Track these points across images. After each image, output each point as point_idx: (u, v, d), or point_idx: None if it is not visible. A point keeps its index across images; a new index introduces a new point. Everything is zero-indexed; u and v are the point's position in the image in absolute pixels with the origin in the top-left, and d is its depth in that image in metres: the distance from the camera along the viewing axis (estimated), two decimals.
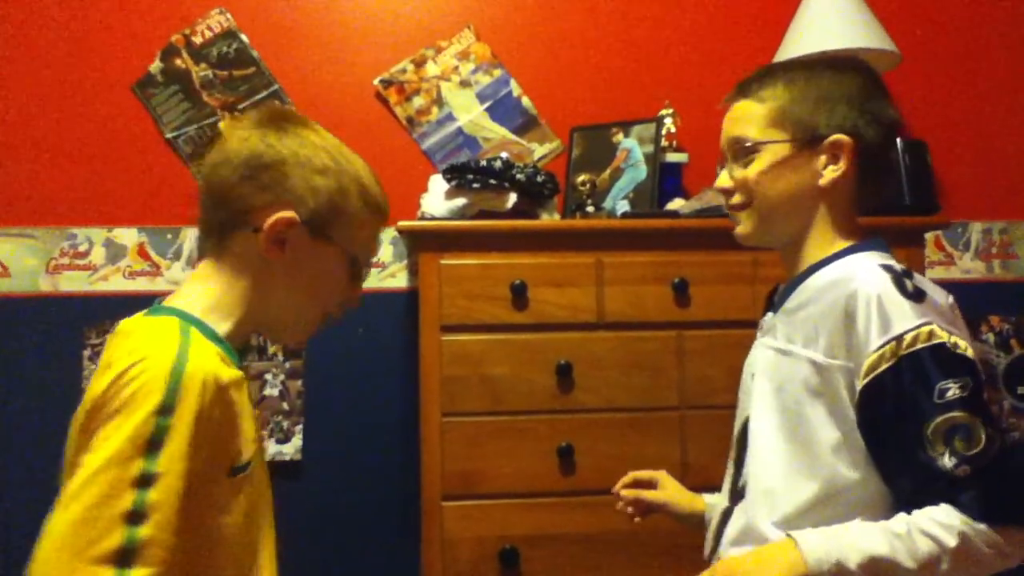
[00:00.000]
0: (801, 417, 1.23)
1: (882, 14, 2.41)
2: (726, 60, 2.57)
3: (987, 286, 2.65)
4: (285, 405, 2.39)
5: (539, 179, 2.17)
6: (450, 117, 2.53)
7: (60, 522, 0.95)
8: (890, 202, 2.16)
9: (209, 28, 2.48)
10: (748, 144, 1.29)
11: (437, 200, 2.16)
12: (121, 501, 0.95)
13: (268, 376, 2.38)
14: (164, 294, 1.21)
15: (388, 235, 2.42)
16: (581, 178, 2.23)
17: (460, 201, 2.13)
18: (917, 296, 1.16)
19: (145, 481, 0.97)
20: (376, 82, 2.51)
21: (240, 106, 2.46)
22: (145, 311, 1.15)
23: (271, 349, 2.36)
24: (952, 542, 1.08)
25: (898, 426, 1.14)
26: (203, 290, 1.16)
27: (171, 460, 0.98)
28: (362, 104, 2.51)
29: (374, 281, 2.42)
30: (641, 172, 2.29)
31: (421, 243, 2.07)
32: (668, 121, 2.38)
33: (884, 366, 1.14)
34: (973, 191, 2.67)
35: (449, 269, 2.04)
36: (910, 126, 2.66)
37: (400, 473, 2.39)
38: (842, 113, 1.27)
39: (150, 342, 1.05)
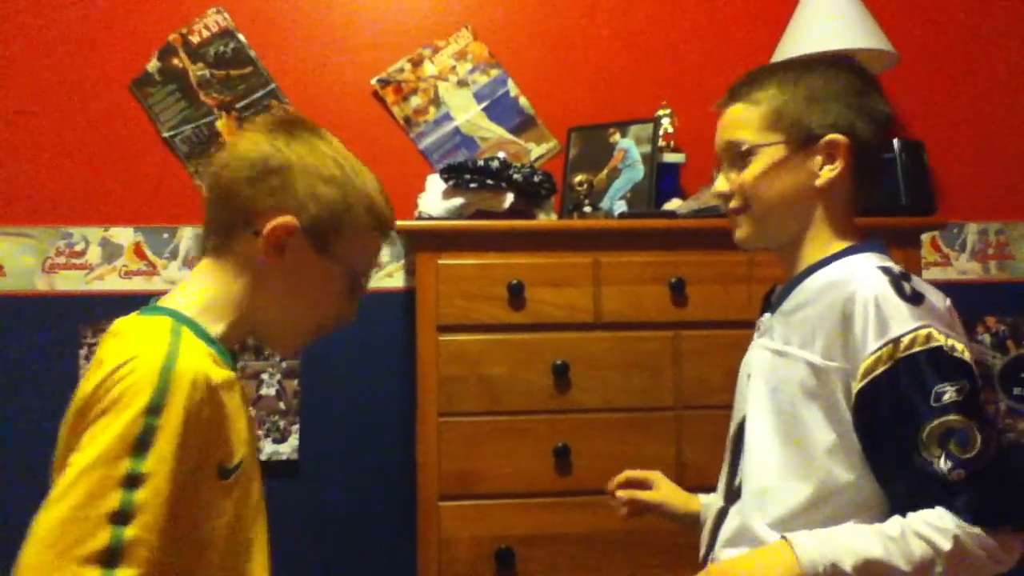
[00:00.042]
0: (797, 418, 1.23)
1: (879, 14, 2.41)
2: (724, 60, 2.57)
3: (983, 287, 2.65)
4: (282, 404, 2.39)
5: (536, 179, 2.17)
6: (447, 117, 2.53)
7: (46, 521, 0.95)
8: (887, 203, 2.16)
9: (206, 27, 2.47)
10: (743, 148, 1.29)
11: (434, 200, 2.16)
12: (108, 501, 0.95)
13: (265, 376, 2.38)
14: (160, 293, 1.21)
15: None
16: (578, 178, 2.23)
17: (457, 201, 2.13)
18: (915, 299, 1.16)
19: (132, 481, 0.97)
20: (373, 82, 2.51)
21: (237, 105, 2.46)
22: (139, 310, 1.15)
23: (267, 349, 2.36)
24: (946, 545, 1.08)
25: (894, 429, 1.14)
26: (199, 290, 1.16)
27: (159, 461, 0.98)
28: (359, 104, 2.51)
29: (371, 280, 2.42)
30: (638, 172, 2.30)
31: (418, 243, 2.07)
32: (665, 121, 2.38)
33: (881, 369, 1.14)
34: (970, 192, 2.67)
35: (446, 269, 2.04)
36: (907, 127, 2.66)
37: (397, 473, 2.39)
38: (836, 112, 1.27)
39: (140, 341, 1.04)
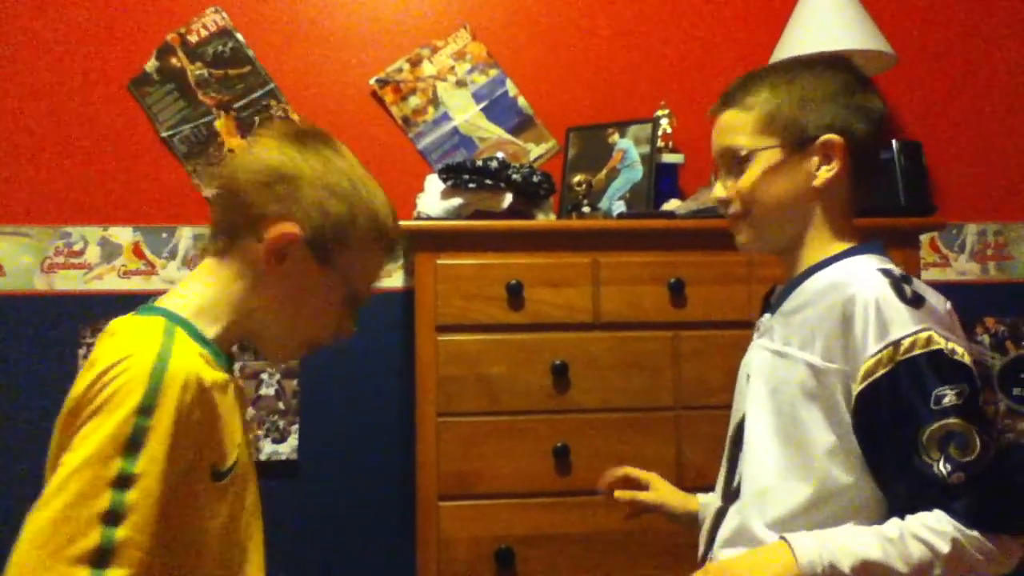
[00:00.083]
0: (796, 419, 1.23)
1: (878, 15, 2.42)
2: (722, 61, 2.58)
3: (982, 288, 2.65)
4: (281, 404, 2.39)
5: (535, 179, 2.17)
6: (446, 117, 2.53)
7: (38, 521, 0.95)
8: (885, 203, 2.16)
9: (205, 27, 2.47)
10: (739, 153, 1.29)
11: (433, 200, 2.16)
12: (99, 501, 0.95)
13: (264, 376, 2.38)
14: (159, 293, 1.21)
15: None
16: (577, 178, 2.23)
17: (456, 201, 2.13)
18: (916, 302, 1.16)
19: (123, 481, 0.97)
20: (372, 82, 2.51)
21: (235, 105, 2.46)
22: (136, 310, 1.15)
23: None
24: (945, 548, 1.08)
25: (894, 431, 1.14)
26: (197, 291, 1.16)
27: (150, 461, 0.98)
28: (358, 104, 2.51)
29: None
30: (637, 173, 2.30)
31: (417, 243, 2.07)
32: (664, 122, 2.38)
33: (881, 371, 1.14)
34: (968, 193, 2.67)
35: (445, 269, 2.04)
36: (905, 127, 2.67)
37: (396, 473, 2.39)
38: (829, 112, 1.27)
39: (133, 342, 1.04)
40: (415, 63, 2.53)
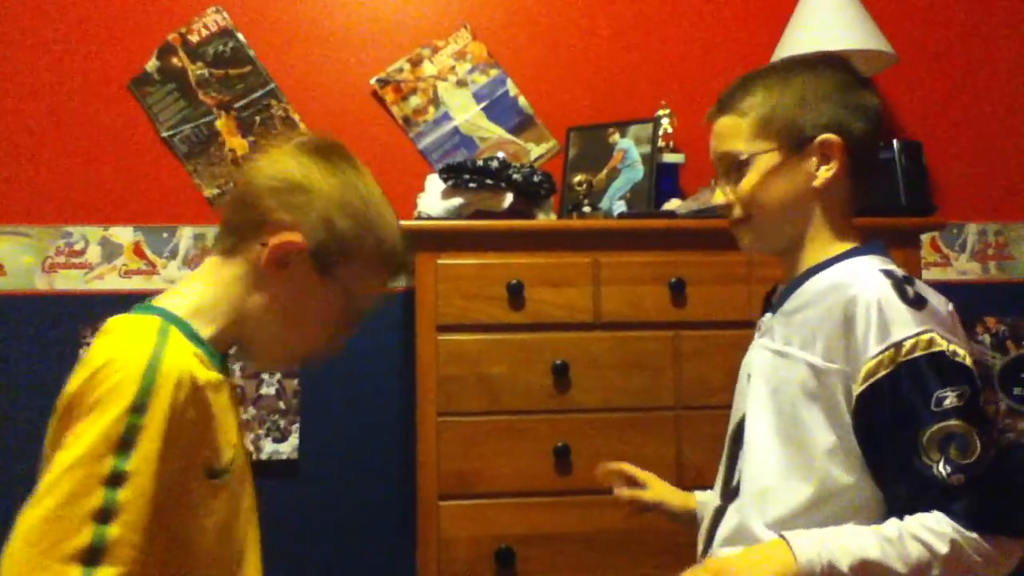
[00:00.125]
0: (797, 419, 1.23)
1: (878, 15, 2.42)
2: (723, 61, 2.58)
3: (983, 287, 2.65)
4: (282, 404, 2.39)
5: (535, 179, 2.17)
6: (446, 117, 2.53)
7: (29, 519, 0.95)
8: (886, 203, 2.16)
9: (205, 27, 2.47)
10: (738, 158, 1.29)
11: (433, 200, 2.16)
12: (90, 499, 0.95)
13: (265, 375, 2.38)
14: (159, 293, 1.21)
15: None
16: (578, 178, 2.23)
17: (456, 201, 2.13)
18: (918, 303, 1.16)
19: (116, 480, 0.97)
20: (372, 81, 2.51)
21: (236, 105, 2.46)
22: (132, 308, 1.15)
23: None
24: (943, 549, 1.08)
25: (894, 432, 1.14)
26: (195, 290, 1.17)
27: (143, 460, 0.98)
28: (358, 103, 2.51)
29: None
30: (638, 172, 2.30)
31: (417, 243, 2.06)
32: (665, 121, 2.38)
33: (882, 372, 1.14)
34: (969, 192, 2.67)
35: (445, 269, 2.04)
36: (906, 127, 2.67)
37: (396, 472, 2.39)
38: (826, 111, 1.27)
39: (127, 340, 1.05)
40: (416, 63, 2.53)
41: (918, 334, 1.14)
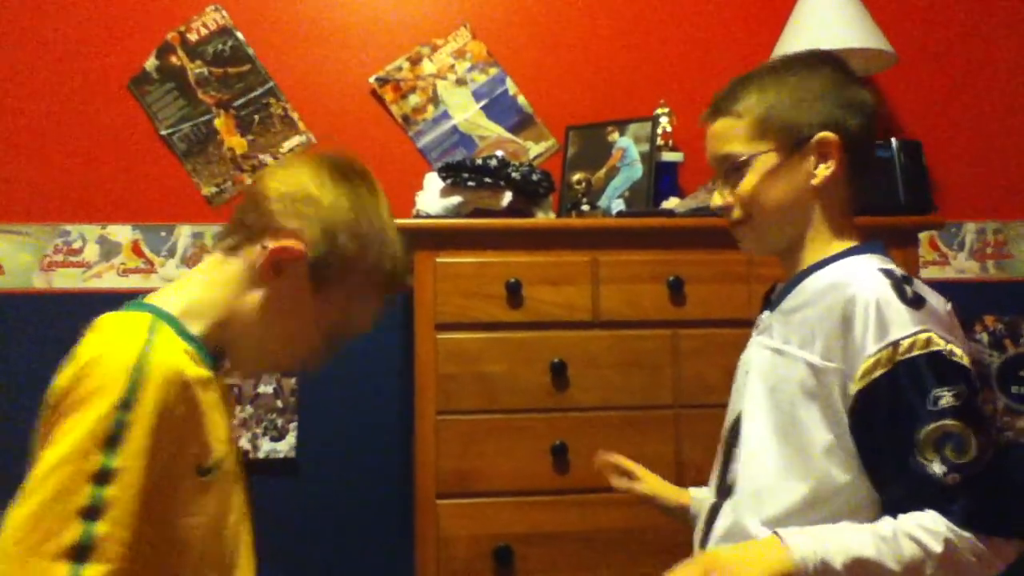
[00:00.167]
0: (794, 418, 1.23)
1: (877, 14, 2.42)
2: (722, 59, 2.57)
3: (981, 286, 2.65)
4: (279, 403, 2.39)
5: (534, 178, 2.16)
6: (446, 115, 2.53)
7: (17, 516, 0.95)
8: (885, 202, 2.16)
9: (204, 25, 2.47)
10: (737, 160, 1.29)
11: (432, 198, 2.16)
12: (78, 496, 0.95)
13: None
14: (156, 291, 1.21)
15: None
16: (576, 177, 2.23)
17: (455, 199, 2.13)
18: (916, 302, 1.16)
19: (104, 476, 0.97)
20: (372, 80, 2.51)
21: (235, 103, 2.46)
22: (124, 305, 1.15)
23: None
24: (937, 548, 1.08)
25: (891, 431, 1.14)
26: (190, 288, 1.17)
27: (131, 456, 0.98)
28: (358, 102, 2.50)
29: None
30: (637, 171, 2.30)
31: (416, 241, 2.06)
32: (664, 120, 2.38)
33: (880, 371, 1.14)
34: (968, 191, 2.67)
35: (444, 267, 2.04)
36: (905, 126, 2.67)
37: (395, 471, 2.39)
38: (821, 110, 1.27)
39: (115, 336, 1.05)
40: (415, 61, 2.53)
41: (916, 333, 1.14)
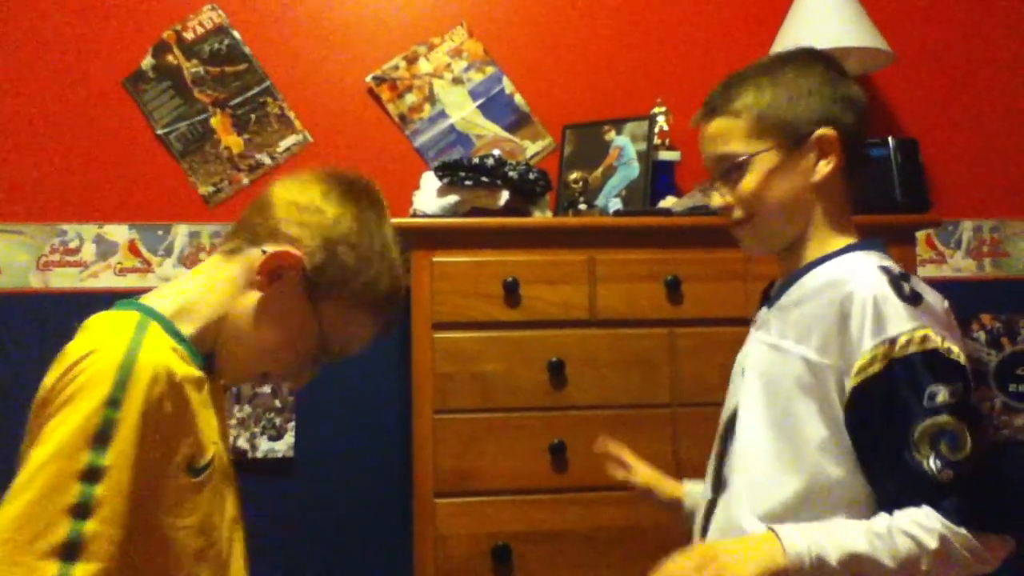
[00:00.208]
0: (790, 413, 1.23)
1: (874, 13, 2.42)
2: (719, 58, 2.57)
3: (978, 284, 2.66)
4: (277, 402, 2.39)
5: (531, 176, 2.16)
6: (442, 114, 2.53)
7: (5, 515, 0.94)
8: (882, 201, 2.16)
9: (201, 24, 2.47)
10: (736, 160, 1.28)
11: (429, 197, 2.16)
12: (67, 494, 0.95)
13: None
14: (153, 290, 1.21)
15: None
16: (573, 176, 2.23)
17: (452, 198, 2.13)
18: (914, 299, 1.17)
19: (92, 474, 0.96)
20: (368, 79, 2.51)
21: (231, 102, 2.45)
22: (115, 304, 1.15)
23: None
24: (932, 544, 1.08)
25: (886, 427, 1.14)
26: (185, 288, 1.17)
27: (119, 454, 0.98)
28: (354, 101, 2.50)
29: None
30: (634, 170, 2.30)
31: (413, 240, 2.06)
32: (661, 119, 2.38)
33: (876, 367, 1.14)
34: (965, 189, 2.67)
35: (441, 266, 2.04)
36: (902, 125, 2.67)
37: (393, 470, 2.38)
38: (817, 106, 1.27)
39: (103, 335, 1.05)
40: (411, 60, 2.53)
41: (913, 330, 1.14)
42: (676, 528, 1.54)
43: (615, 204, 2.26)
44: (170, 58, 2.45)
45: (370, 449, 2.41)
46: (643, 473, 1.57)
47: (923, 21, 2.69)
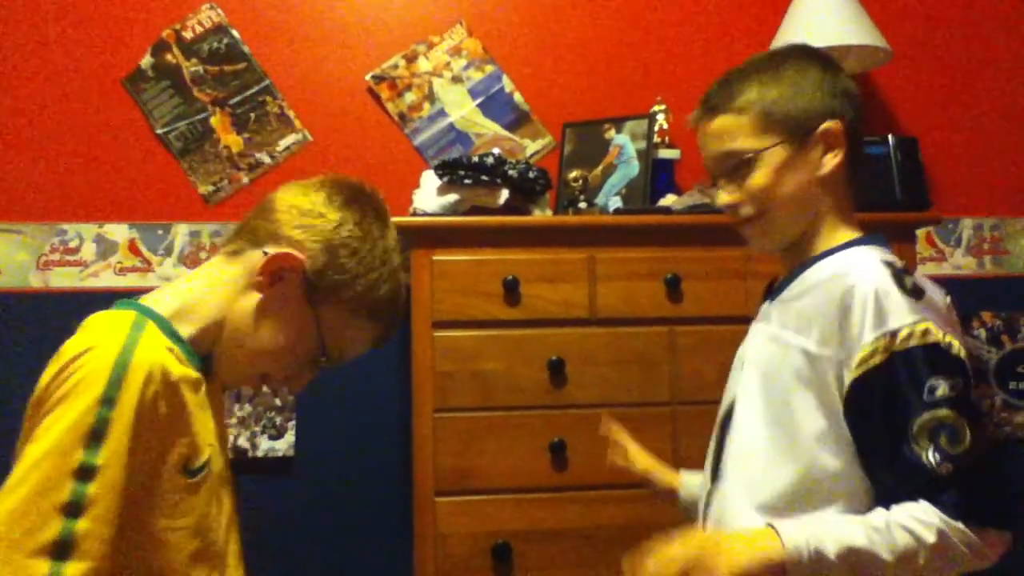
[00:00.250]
0: (787, 405, 1.23)
1: (874, 11, 2.42)
2: (718, 56, 2.57)
3: (978, 282, 2.66)
4: (277, 401, 2.39)
5: (531, 175, 2.16)
6: (442, 113, 2.53)
7: None
8: (882, 198, 2.16)
9: (200, 23, 2.47)
10: (745, 157, 1.27)
11: (429, 196, 2.16)
12: (60, 492, 0.95)
13: None
14: (154, 290, 1.21)
15: None
16: (573, 174, 2.23)
17: (452, 197, 2.13)
18: (915, 293, 1.17)
19: (85, 473, 0.96)
20: (368, 78, 2.51)
21: (231, 101, 2.45)
22: (113, 304, 1.15)
23: None
24: (930, 538, 1.08)
25: (885, 420, 1.14)
26: (185, 289, 1.18)
27: (113, 453, 0.98)
28: (354, 100, 2.50)
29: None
30: (633, 168, 2.29)
31: (413, 239, 2.06)
32: (660, 117, 2.38)
33: (876, 360, 1.14)
34: (965, 187, 2.67)
35: (441, 265, 2.04)
36: (902, 123, 2.67)
37: (393, 469, 2.38)
38: (820, 100, 1.28)
39: (99, 334, 1.05)
40: (411, 59, 2.53)
41: (914, 323, 1.14)
42: (677, 527, 1.54)
43: (615, 202, 2.26)
44: (169, 57, 2.45)
45: (370, 448, 2.41)
46: (642, 460, 1.59)
47: (922, 19, 2.69)
